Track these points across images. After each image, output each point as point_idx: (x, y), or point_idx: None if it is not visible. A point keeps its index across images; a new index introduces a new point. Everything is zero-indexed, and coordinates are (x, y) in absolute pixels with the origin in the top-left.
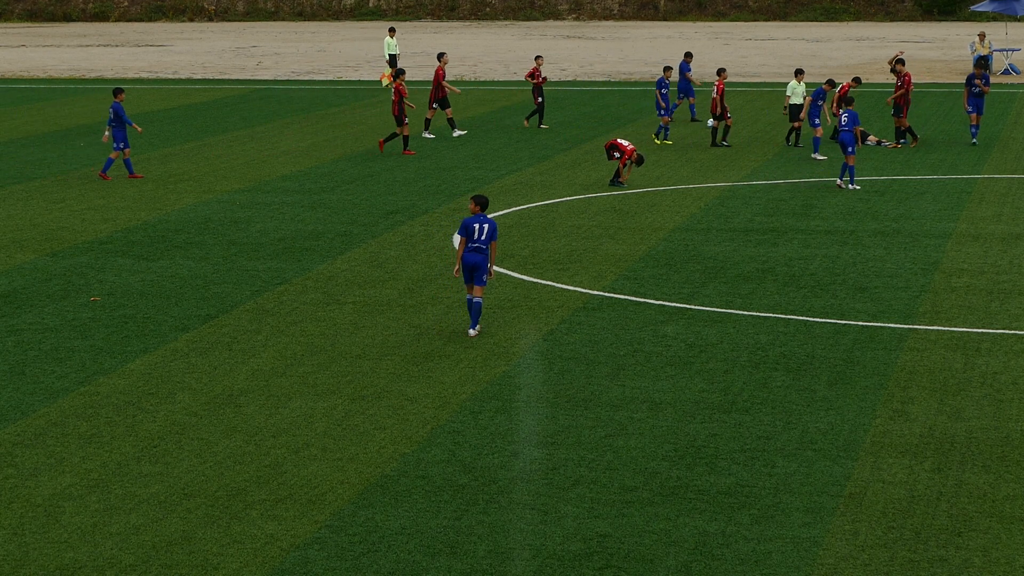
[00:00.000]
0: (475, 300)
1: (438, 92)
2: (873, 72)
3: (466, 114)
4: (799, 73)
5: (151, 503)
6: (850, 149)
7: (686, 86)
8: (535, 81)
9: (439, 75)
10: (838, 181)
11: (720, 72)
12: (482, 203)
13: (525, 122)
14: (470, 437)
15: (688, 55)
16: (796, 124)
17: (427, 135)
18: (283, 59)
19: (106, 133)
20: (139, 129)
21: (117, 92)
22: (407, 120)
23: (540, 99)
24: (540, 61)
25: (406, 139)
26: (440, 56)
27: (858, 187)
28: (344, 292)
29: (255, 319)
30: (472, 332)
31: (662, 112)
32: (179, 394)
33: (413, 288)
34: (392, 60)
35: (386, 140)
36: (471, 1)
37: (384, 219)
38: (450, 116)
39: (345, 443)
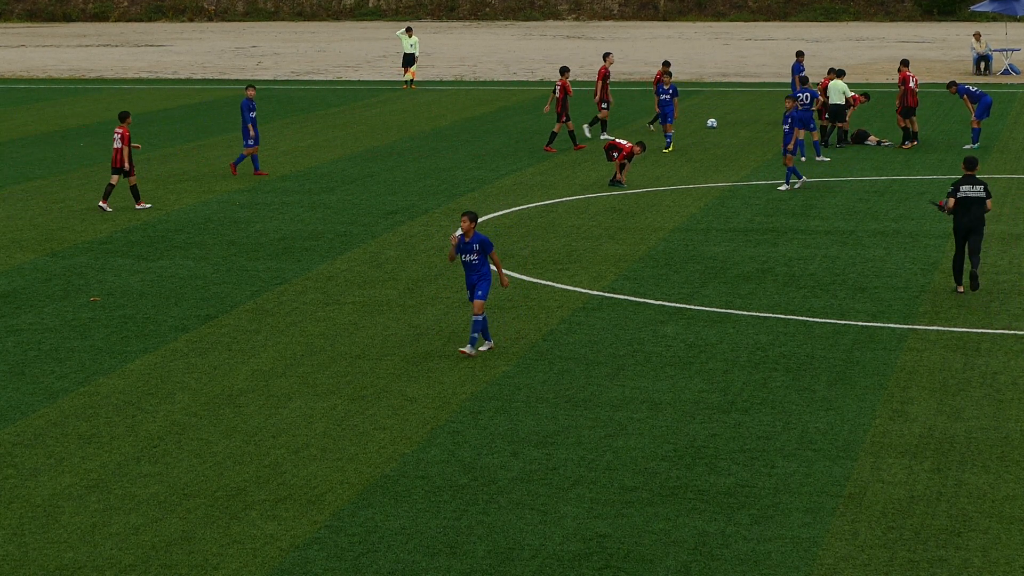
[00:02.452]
0: (474, 317)
1: (604, 92)
2: (873, 73)
3: (465, 114)
4: (841, 74)
5: (151, 503)
6: (791, 149)
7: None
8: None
9: (602, 73)
10: (784, 185)
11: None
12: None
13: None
14: (470, 437)
15: (800, 54)
16: (841, 125)
17: (604, 136)
18: (283, 59)
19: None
20: (252, 132)
21: (248, 88)
22: (565, 118)
23: (605, 104)
24: (610, 59)
25: (557, 134)
26: (606, 56)
27: (797, 185)
28: (344, 292)
29: (255, 319)
30: (466, 350)
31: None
32: (179, 394)
33: (413, 288)
34: (409, 59)
35: (550, 142)
36: (471, 1)
37: (384, 219)
38: (604, 118)
39: (345, 443)
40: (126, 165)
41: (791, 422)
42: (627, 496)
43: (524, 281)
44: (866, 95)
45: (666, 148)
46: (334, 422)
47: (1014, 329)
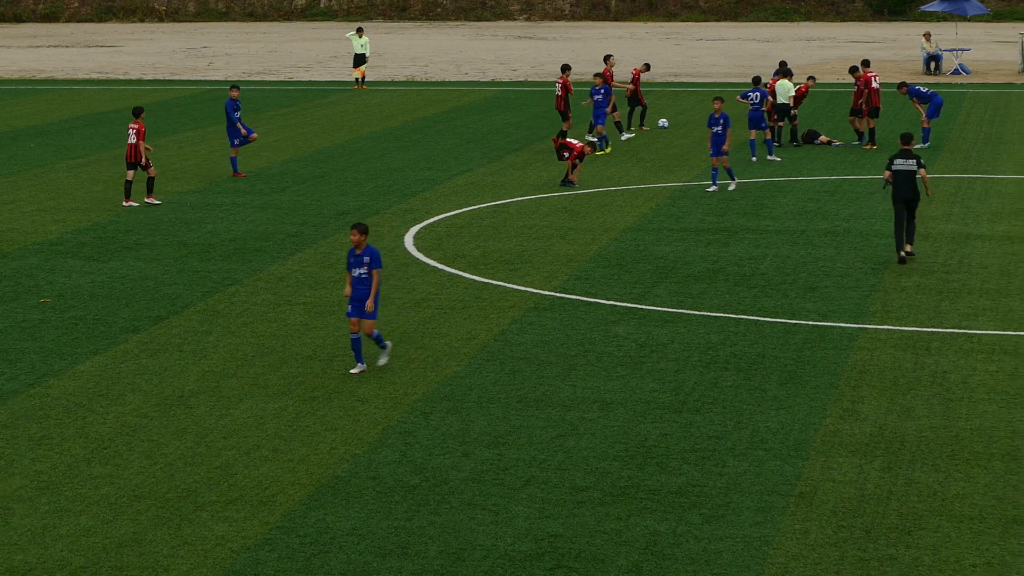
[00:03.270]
0: (371, 335)
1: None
2: (824, 72)
3: (416, 115)
4: (787, 73)
5: (101, 505)
6: (725, 151)
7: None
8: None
9: (607, 77)
10: (713, 186)
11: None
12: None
13: (642, 127)
14: (421, 438)
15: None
16: (792, 122)
17: (626, 135)
18: (234, 60)
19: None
20: (243, 131)
21: (232, 88)
22: (570, 119)
23: (638, 104)
24: (612, 62)
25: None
26: (607, 59)
27: (731, 187)
28: (295, 293)
29: (206, 320)
30: (382, 360)
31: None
32: (129, 396)
33: None
34: (359, 59)
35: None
36: (422, 1)
37: (335, 220)
38: (618, 119)
39: (296, 444)
40: (142, 160)
41: (742, 421)
42: (578, 496)
43: (475, 281)
44: (811, 78)
45: (602, 150)
46: (285, 423)
47: (964, 328)
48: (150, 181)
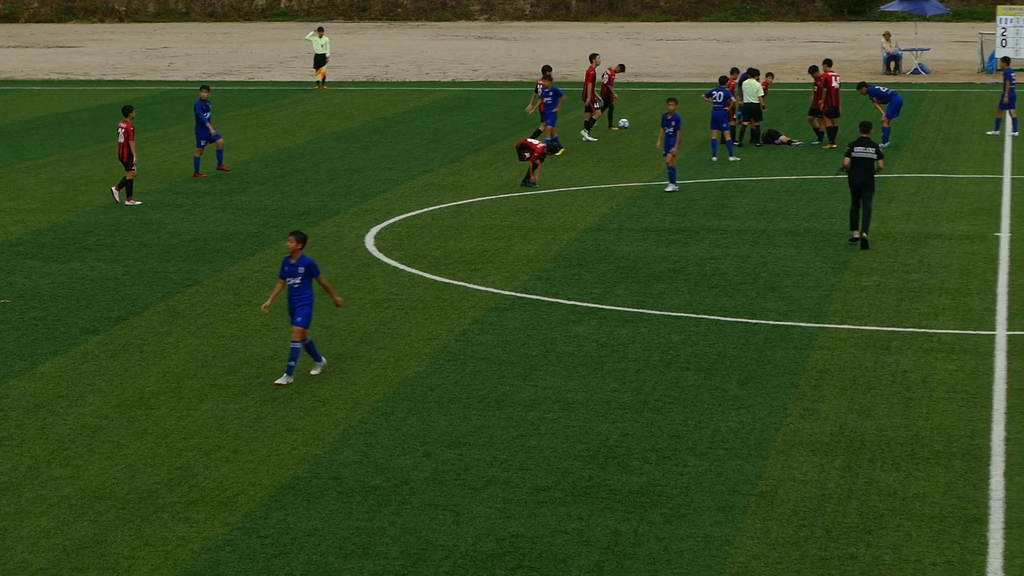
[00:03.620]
0: (292, 344)
1: (596, 92)
2: (784, 72)
3: (377, 115)
4: (754, 73)
5: (61, 506)
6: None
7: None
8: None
9: (590, 75)
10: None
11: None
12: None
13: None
14: (382, 438)
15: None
16: (755, 123)
17: (588, 137)
18: (194, 60)
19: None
20: (213, 131)
21: (202, 89)
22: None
23: (597, 104)
24: (597, 61)
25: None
26: (592, 57)
27: (677, 188)
28: (255, 294)
29: (166, 321)
30: (281, 381)
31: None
32: (89, 396)
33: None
34: (320, 60)
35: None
36: (383, 2)
37: (295, 220)
38: (595, 119)
39: (257, 445)
40: (135, 157)
41: (703, 421)
42: (540, 496)
43: (436, 282)
44: (769, 75)
45: (556, 153)
46: (246, 424)
47: (924, 327)
48: (129, 183)
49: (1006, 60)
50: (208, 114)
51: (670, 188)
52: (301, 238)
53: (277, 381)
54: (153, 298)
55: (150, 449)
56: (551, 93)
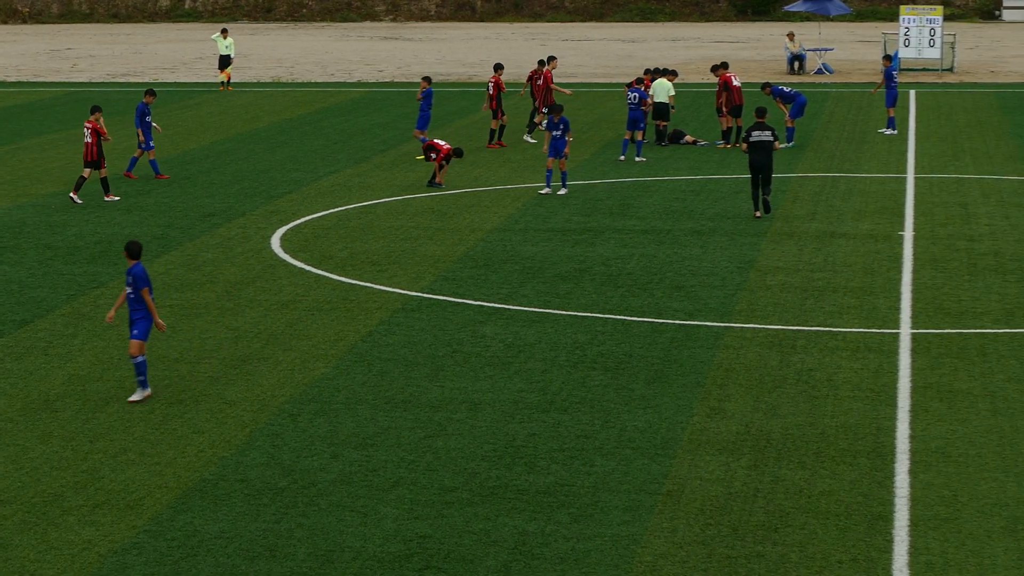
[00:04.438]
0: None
1: (547, 96)
2: (689, 72)
3: (283, 116)
4: (669, 73)
5: None
6: (566, 154)
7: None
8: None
9: (548, 78)
10: (548, 188)
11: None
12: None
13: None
14: (289, 440)
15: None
16: (660, 123)
17: (529, 139)
18: (99, 61)
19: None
20: (159, 130)
21: (147, 93)
22: (504, 115)
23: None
24: (554, 64)
25: (496, 131)
26: (550, 59)
27: (552, 190)
28: (161, 295)
29: (71, 323)
30: (135, 397)
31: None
32: None
33: (231, 291)
34: (224, 61)
35: (491, 140)
36: (287, 2)
37: (201, 221)
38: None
39: (163, 447)
40: (99, 158)
41: (610, 421)
42: (447, 496)
43: (343, 283)
44: (673, 73)
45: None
46: (152, 426)
47: (829, 326)
48: (104, 181)
49: (888, 59)
50: (149, 118)
51: (549, 190)
52: (130, 249)
53: (130, 398)
54: (58, 300)
55: (56, 452)
56: (426, 93)
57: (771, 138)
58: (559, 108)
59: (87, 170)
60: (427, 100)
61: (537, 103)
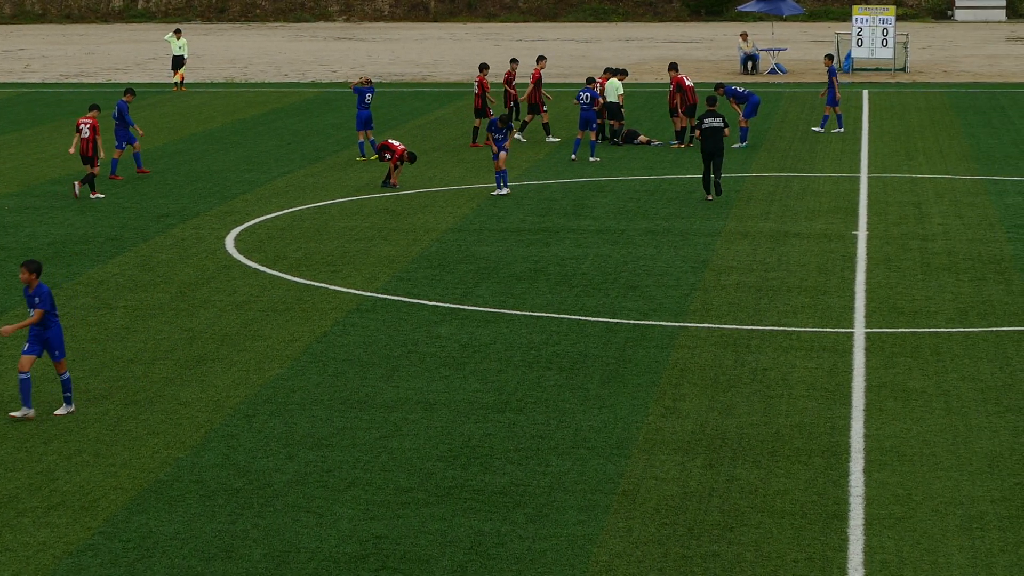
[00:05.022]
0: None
1: (534, 95)
2: (642, 72)
3: (236, 116)
4: (620, 73)
5: None
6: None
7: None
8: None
9: (536, 77)
10: (503, 190)
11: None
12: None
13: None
14: (244, 441)
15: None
16: (615, 123)
17: (520, 138)
18: (51, 62)
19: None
20: (140, 132)
21: (126, 92)
22: (492, 113)
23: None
24: (543, 64)
25: (480, 129)
26: (539, 60)
27: (503, 192)
28: (115, 296)
29: None
30: (60, 411)
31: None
32: None
33: (185, 292)
34: (178, 61)
35: (475, 139)
36: (241, 3)
37: (155, 222)
38: (546, 121)
39: (118, 448)
40: (101, 153)
41: (565, 420)
42: (403, 497)
43: (297, 283)
44: (624, 72)
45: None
46: (107, 427)
47: (783, 326)
48: (90, 177)
49: (829, 57)
50: (128, 116)
51: (503, 192)
52: (32, 267)
53: (56, 412)
54: (10, 302)
55: (10, 454)
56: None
57: (722, 124)
58: (507, 118)
59: (96, 169)
60: (361, 98)
61: (524, 100)
